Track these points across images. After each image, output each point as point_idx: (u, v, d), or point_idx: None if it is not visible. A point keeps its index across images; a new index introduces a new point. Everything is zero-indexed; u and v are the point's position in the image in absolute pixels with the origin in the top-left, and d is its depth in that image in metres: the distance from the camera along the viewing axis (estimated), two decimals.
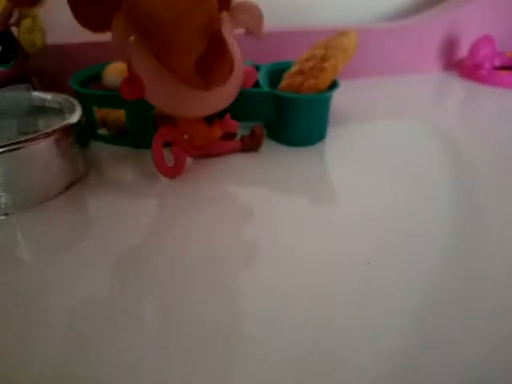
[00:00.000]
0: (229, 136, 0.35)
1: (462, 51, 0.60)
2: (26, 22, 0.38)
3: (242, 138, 0.35)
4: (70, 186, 0.30)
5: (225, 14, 0.28)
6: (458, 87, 0.55)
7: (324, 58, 0.35)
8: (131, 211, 0.28)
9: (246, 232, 0.26)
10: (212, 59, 0.25)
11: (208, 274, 0.23)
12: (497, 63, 0.56)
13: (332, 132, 0.38)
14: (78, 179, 0.31)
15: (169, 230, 0.26)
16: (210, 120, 0.32)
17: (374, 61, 0.56)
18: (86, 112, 0.35)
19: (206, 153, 0.34)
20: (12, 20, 0.37)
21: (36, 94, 0.34)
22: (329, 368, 0.18)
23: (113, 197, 0.30)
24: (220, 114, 0.32)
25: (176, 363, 0.18)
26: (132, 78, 0.28)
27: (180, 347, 0.18)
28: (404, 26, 0.56)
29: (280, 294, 0.21)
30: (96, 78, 0.40)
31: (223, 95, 0.30)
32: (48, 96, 0.34)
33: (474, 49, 0.56)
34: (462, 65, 0.58)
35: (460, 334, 0.19)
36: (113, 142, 0.37)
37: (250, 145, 0.35)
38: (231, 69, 0.26)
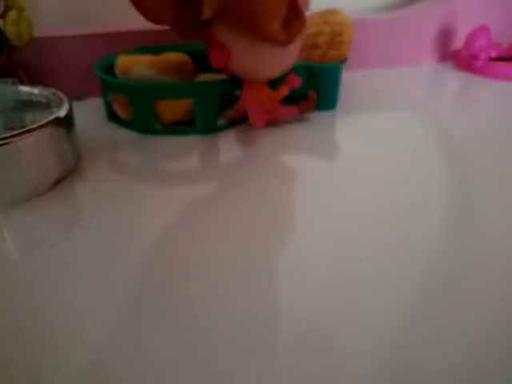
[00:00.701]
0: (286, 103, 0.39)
1: (458, 42, 0.59)
2: (12, 14, 0.37)
3: (298, 103, 0.40)
4: (58, 182, 0.29)
5: None
6: (454, 79, 0.55)
7: (336, 33, 0.40)
8: (124, 205, 0.27)
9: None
10: (292, 19, 0.30)
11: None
12: (493, 54, 0.56)
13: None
14: (68, 174, 0.30)
15: (169, 229, 0.26)
16: (272, 86, 0.37)
17: (368, 52, 0.55)
18: (145, 106, 0.35)
19: (271, 117, 0.37)
20: None
21: (23, 88, 0.34)
22: (329, 350, 0.17)
23: (105, 190, 0.29)
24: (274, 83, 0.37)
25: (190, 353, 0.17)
26: (220, 47, 0.32)
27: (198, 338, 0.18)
28: (398, 16, 0.56)
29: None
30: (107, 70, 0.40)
31: (294, 53, 0.35)
32: (35, 90, 0.33)
33: (470, 39, 0.55)
34: (458, 56, 0.58)
35: (460, 317, 0.19)
36: (178, 132, 0.37)
37: (306, 108, 0.40)
38: (305, 25, 0.32)
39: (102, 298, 0.20)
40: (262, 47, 0.32)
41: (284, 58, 0.34)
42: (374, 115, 0.43)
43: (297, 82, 0.36)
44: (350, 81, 0.47)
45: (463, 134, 0.39)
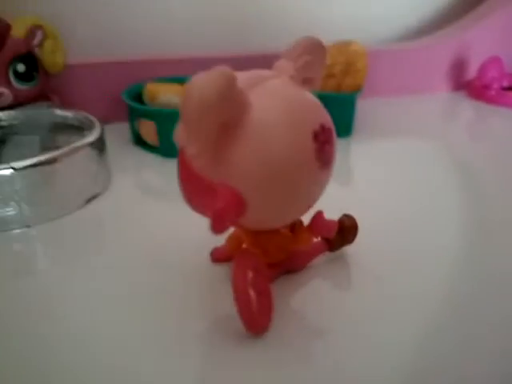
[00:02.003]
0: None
1: (471, 72, 0.61)
2: (49, 43, 0.39)
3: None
4: (89, 200, 0.31)
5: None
6: (467, 107, 0.56)
7: (351, 62, 0.41)
8: (149, 223, 0.29)
9: None
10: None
11: None
12: (505, 84, 0.57)
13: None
14: (98, 193, 0.32)
15: (184, 245, 0.27)
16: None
17: (384, 81, 0.57)
18: (170, 131, 0.36)
19: (284, 270, 0.24)
20: (35, 41, 0.39)
21: (57, 111, 0.36)
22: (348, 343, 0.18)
23: (132, 210, 0.31)
24: None
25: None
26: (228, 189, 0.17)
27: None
28: (414, 47, 0.58)
29: None
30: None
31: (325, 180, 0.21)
32: (69, 114, 0.35)
33: (483, 70, 0.57)
34: (471, 85, 0.59)
35: (476, 329, 0.20)
36: None
37: (340, 242, 0.25)
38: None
39: (126, 309, 0.22)
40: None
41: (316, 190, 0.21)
42: (389, 142, 0.44)
43: (332, 226, 0.23)
44: (366, 108, 0.48)
45: (477, 161, 0.40)
